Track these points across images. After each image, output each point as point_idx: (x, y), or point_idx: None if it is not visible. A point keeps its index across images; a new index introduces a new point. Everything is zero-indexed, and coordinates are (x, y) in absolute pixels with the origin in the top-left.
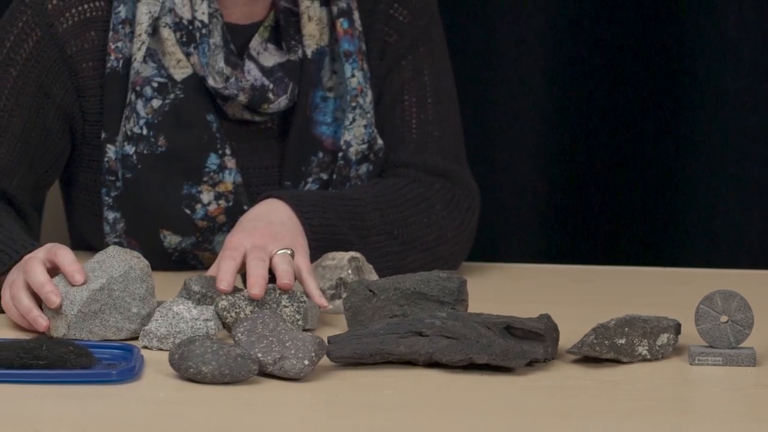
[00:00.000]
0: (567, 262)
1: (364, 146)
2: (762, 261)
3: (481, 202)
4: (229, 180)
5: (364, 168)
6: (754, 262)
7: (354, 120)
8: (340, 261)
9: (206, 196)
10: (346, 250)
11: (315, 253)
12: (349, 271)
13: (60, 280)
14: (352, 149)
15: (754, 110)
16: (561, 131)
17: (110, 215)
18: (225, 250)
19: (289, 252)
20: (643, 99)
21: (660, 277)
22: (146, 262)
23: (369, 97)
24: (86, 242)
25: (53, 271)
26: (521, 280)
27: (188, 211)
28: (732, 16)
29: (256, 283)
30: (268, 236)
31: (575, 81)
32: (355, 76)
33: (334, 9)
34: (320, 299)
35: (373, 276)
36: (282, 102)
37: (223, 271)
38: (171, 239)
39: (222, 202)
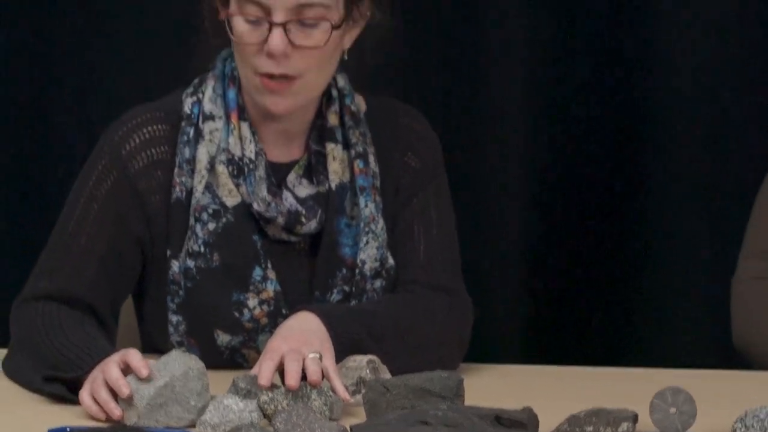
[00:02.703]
0: (545, 363)
1: (377, 264)
2: (705, 362)
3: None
4: (271, 288)
5: (378, 283)
6: (698, 362)
7: (367, 242)
8: (360, 363)
9: (252, 302)
10: (365, 353)
11: (339, 356)
12: (368, 371)
13: (132, 378)
14: (366, 266)
15: (706, 220)
16: (541, 249)
17: (174, 318)
18: (266, 352)
19: (318, 356)
20: (611, 219)
21: (622, 376)
22: (202, 363)
23: (380, 224)
24: (154, 345)
25: (126, 370)
26: (508, 378)
27: (237, 314)
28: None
29: (292, 378)
30: (301, 341)
31: (554, 200)
32: (368, 207)
33: (352, 152)
34: (344, 394)
35: (387, 375)
36: (312, 225)
37: (264, 370)
38: (223, 338)
39: (265, 307)
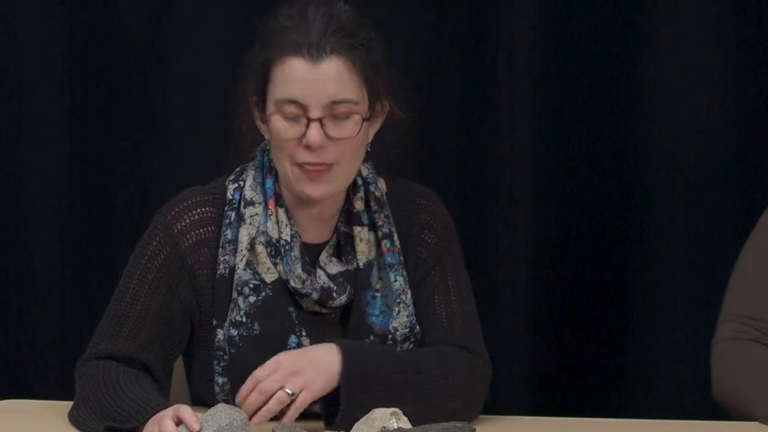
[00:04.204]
0: (549, 415)
1: (407, 330)
2: (691, 413)
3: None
4: None
5: (406, 345)
6: (686, 413)
7: (399, 312)
8: (383, 414)
9: None
10: (374, 391)
11: (348, 389)
12: (391, 421)
13: (183, 429)
14: (398, 333)
15: (691, 293)
16: (547, 312)
17: (219, 380)
18: (252, 378)
19: (291, 393)
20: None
21: (622, 427)
22: (245, 415)
23: (409, 295)
24: (201, 399)
25: (179, 423)
26: (519, 429)
27: None
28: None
29: (249, 408)
30: (289, 373)
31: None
32: (397, 281)
33: (379, 233)
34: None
35: (408, 425)
36: (343, 299)
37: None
38: None
39: None
